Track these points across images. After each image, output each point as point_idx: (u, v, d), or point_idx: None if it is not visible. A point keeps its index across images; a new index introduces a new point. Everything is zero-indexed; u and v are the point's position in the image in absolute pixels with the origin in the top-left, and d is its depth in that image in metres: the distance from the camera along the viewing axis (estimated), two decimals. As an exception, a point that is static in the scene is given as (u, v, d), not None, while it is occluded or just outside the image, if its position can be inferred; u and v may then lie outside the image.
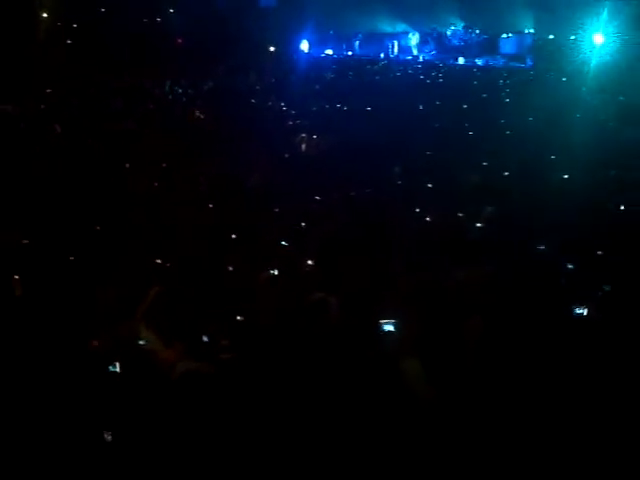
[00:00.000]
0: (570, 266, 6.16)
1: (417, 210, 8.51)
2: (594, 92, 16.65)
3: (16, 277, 5.85)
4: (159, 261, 6.85)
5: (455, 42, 26.21)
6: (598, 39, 21.07)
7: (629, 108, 14.84)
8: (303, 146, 13.56)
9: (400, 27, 27.11)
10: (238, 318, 5.34)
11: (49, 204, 8.66)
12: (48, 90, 17.22)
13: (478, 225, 7.77)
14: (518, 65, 23.59)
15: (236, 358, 4.65)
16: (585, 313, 4.90)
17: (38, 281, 5.97)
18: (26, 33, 19.62)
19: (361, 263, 6.32)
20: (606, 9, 20.51)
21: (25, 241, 7.19)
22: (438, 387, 4.21)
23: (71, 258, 6.84)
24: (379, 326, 4.63)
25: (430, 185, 9.70)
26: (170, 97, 18.32)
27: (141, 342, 4.79)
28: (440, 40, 26.63)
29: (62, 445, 3.80)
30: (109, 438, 3.84)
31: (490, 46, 25.39)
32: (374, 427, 3.85)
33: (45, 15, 21.28)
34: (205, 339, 4.96)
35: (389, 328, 4.62)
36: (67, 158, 11.53)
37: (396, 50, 26.76)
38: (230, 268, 6.66)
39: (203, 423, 3.85)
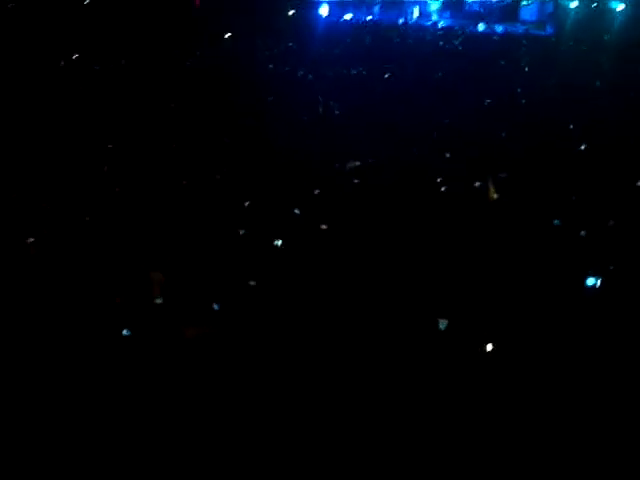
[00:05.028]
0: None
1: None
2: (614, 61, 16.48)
3: (31, 239, 6.02)
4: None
5: (475, 8, 26.00)
6: (620, 7, 20.85)
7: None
8: (320, 110, 13.61)
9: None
10: (251, 284, 5.41)
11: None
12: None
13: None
14: (538, 33, 23.37)
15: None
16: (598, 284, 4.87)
17: (54, 242, 6.10)
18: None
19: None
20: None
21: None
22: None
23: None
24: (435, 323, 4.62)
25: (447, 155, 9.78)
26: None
27: (157, 302, 4.87)
28: (460, 6, 26.40)
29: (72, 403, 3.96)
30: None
31: (510, 13, 25.17)
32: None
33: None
34: (216, 307, 5.01)
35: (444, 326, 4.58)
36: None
37: (416, 15, 26.56)
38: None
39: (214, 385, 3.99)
